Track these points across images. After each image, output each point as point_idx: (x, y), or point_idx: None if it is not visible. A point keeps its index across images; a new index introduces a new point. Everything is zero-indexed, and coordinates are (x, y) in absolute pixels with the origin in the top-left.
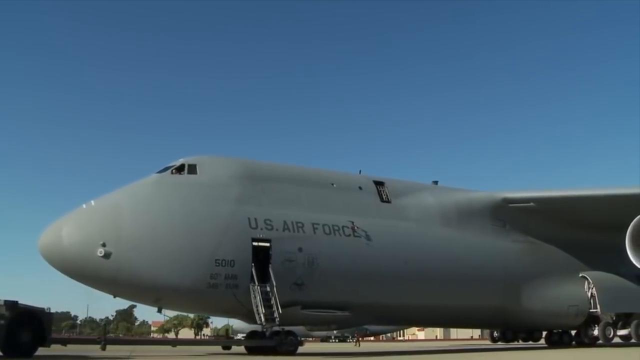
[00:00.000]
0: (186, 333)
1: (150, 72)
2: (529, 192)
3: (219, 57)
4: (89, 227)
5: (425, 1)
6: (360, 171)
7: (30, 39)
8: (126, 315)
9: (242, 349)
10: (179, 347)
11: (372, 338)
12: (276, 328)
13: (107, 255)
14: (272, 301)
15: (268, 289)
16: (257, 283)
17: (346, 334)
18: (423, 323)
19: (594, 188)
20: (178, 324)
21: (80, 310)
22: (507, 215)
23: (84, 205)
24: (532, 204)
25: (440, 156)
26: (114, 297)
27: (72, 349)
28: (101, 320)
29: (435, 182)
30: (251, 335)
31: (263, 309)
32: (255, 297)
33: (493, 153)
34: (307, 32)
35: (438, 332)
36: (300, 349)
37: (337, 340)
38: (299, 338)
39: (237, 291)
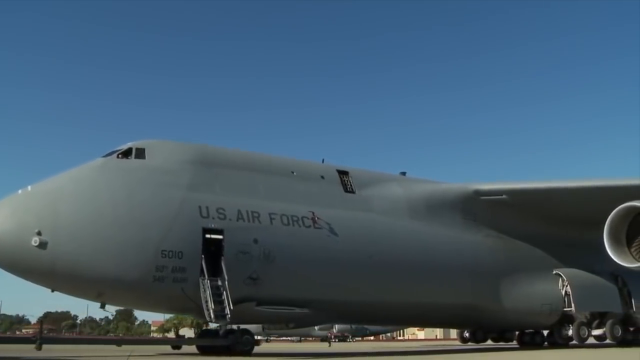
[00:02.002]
0: (186, 332)
1: (150, 73)
2: (501, 183)
3: (216, 57)
4: (22, 213)
5: (424, 1)
6: (323, 160)
7: (30, 39)
8: (126, 315)
9: (193, 348)
10: (124, 347)
11: (372, 338)
12: (231, 326)
13: (42, 245)
14: (224, 296)
15: (219, 283)
16: (207, 276)
17: (346, 334)
18: (390, 321)
19: (569, 180)
20: (178, 323)
21: (81, 309)
22: (479, 208)
23: (20, 191)
24: (504, 196)
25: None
26: (52, 291)
27: (4, 350)
28: (101, 319)
29: (403, 173)
30: (203, 334)
31: (213, 305)
32: (204, 291)
33: (491, 154)
34: (293, 32)
35: (438, 332)
36: (257, 349)
37: (336, 340)
38: (255, 337)
39: (186, 285)
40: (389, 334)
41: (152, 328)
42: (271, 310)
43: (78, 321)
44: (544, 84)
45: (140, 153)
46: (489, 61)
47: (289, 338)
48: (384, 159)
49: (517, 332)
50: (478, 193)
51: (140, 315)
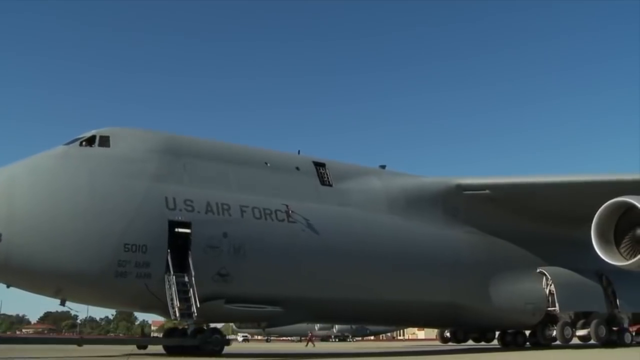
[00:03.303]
0: None
1: (150, 72)
2: (484, 178)
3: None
4: None
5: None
6: (299, 151)
7: (30, 39)
8: (126, 315)
9: (160, 348)
10: (86, 347)
11: (372, 337)
12: (200, 325)
13: None
14: (190, 293)
15: (186, 279)
16: (172, 272)
17: (346, 334)
18: (367, 320)
19: (555, 175)
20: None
21: (81, 309)
22: (461, 203)
23: None
24: (487, 191)
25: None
26: (8, 287)
27: None
28: (101, 319)
29: (383, 167)
30: (170, 333)
31: (178, 303)
32: (170, 288)
33: (487, 155)
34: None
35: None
36: (227, 349)
37: (337, 340)
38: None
39: (150, 281)
40: (389, 334)
41: (153, 328)
42: (241, 308)
43: (78, 321)
44: (542, 84)
45: (105, 141)
46: (487, 61)
47: (290, 338)
48: (365, 154)
49: (498, 332)
50: (460, 188)
51: (141, 315)
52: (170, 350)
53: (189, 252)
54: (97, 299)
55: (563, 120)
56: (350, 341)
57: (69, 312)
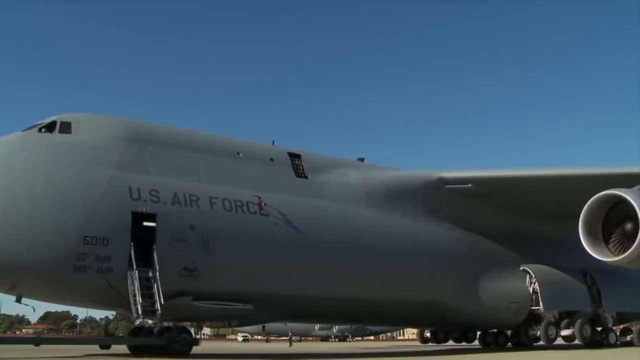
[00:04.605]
0: None
1: (150, 72)
2: (467, 171)
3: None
4: None
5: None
6: (273, 142)
7: (29, 39)
8: (127, 315)
9: (125, 348)
10: (44, 347)
11: (372, 337)
12: (167, 324)
13: None
14: (155, 289)
15: (150, 274)
16: (135, 267)
17: (346, 333)
18: (345, 319)
19: (540, 168)
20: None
21: (81, 309)
22: (443, 198)
23: None
24: (470, 185)
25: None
26: None
27: None
28: (101, 319)
29: (361, 160)
30: (135, 332)
31: (140, 299)
32: (132, 283)
33: (484, 156)
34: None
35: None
36: (196, 349)
37: (336, 340)
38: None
39: (111, 276)
40: (389, 334)
41: None
42: (210, 305)
43: (78, 321)
44: (541, 84)
45: (66, 127)
46: (485, 61)
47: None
48: (345, 147)
49: (479, 332)
50: (442, 181)
51: None
52: (135, 350)
53: (154, 246)
54: (55, 295)
55: (562, 121)
56: (350, 341)
57: (68, 312)
